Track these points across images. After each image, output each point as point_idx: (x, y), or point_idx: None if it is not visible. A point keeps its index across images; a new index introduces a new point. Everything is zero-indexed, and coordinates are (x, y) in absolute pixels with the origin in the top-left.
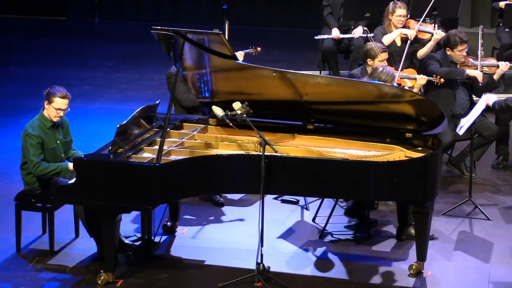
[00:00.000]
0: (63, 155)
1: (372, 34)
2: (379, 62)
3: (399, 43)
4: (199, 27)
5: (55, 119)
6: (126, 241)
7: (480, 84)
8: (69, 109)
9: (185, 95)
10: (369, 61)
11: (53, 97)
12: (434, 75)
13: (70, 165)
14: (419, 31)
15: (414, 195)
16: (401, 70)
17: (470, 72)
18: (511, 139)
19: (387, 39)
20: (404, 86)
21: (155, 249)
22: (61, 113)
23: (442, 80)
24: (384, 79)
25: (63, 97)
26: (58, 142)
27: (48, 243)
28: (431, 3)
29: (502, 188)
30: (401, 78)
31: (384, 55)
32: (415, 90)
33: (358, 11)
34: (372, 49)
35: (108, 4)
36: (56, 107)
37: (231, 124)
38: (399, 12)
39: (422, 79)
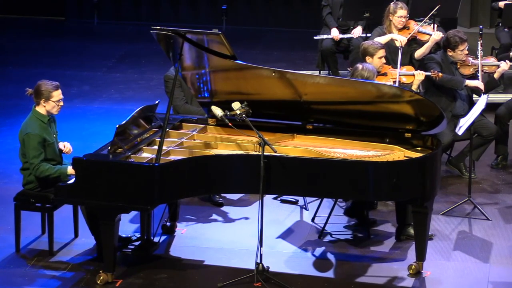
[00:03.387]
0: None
1: (369, 35)
2: (378, 59)
3: (398, 43)
4: (198, 27)
5: (57, 112)
6: (123, 235)
7: (483, 93)
8: (62, 96)
9: (182, 102)
10: (368, 59)
11: (50, 93)
12: (432, 70)
13: (69, 169)
14: (419, 32)
15: (413, 195)
16: (399, 68)
17: (470, 82)
18: (510, 139)
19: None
20: (402, 82)
21: (154, 249)
22: (61, 103)
23: (440, 74)
24: (367, 76)
25: (57, 88)
26: (54, 136)
27: (48, 243)
28: (435, 10)
29: (501, 188)
30: (399, 76)
31: (382, 52)
32: (414, 86)
33: (357, 11)
34: (370, 46)
35: (107, 4)
36: (56, 100)
37: (230, 124)
38: (400, 13)
39: (420, 75)
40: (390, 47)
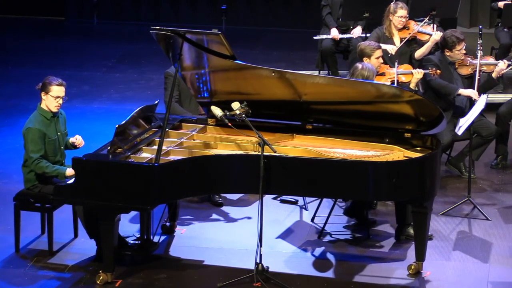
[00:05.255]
0: (62, 147)
1: (369, 35)
2: (376, 59)
3: (398, 43)
4: (198, 27)
5: (55, 109)
6: (128, 240)
7: (475, 100)
8: (67, 98)
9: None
10: (366, 60)
11: (50, 86)
12: (430, 68)
13: (68, 172)
14: (419, 32)
15: (413, 195)
16: (397, 67)
17: (463, 92)
18: (510, 139)
19: None
20: (401, 82)
21: (154, 249)
22: (60, 101)
23: (438, 71)
24: (367, 75)
25: (59, 85)
26: (59, 134)
27: (47, 243)
28: (433, 12)
29: (501, 188)
30: (397, 75)
31: (379, 52)
32: (412, 85)
33: (357, 11)
34: (367, 47)
35: (107, 4)
36: (54, 95)
37: (230, 124)
38: (401, 13)
39: (418, 73)
40: (385, 54)
